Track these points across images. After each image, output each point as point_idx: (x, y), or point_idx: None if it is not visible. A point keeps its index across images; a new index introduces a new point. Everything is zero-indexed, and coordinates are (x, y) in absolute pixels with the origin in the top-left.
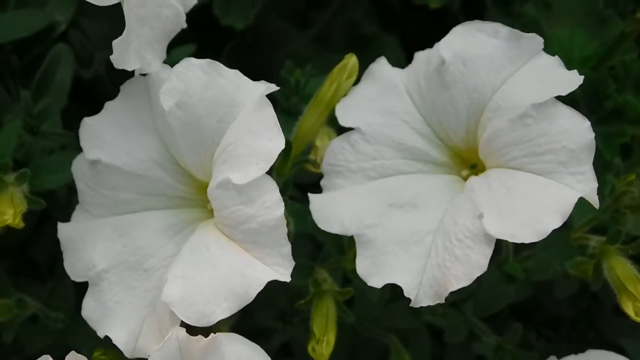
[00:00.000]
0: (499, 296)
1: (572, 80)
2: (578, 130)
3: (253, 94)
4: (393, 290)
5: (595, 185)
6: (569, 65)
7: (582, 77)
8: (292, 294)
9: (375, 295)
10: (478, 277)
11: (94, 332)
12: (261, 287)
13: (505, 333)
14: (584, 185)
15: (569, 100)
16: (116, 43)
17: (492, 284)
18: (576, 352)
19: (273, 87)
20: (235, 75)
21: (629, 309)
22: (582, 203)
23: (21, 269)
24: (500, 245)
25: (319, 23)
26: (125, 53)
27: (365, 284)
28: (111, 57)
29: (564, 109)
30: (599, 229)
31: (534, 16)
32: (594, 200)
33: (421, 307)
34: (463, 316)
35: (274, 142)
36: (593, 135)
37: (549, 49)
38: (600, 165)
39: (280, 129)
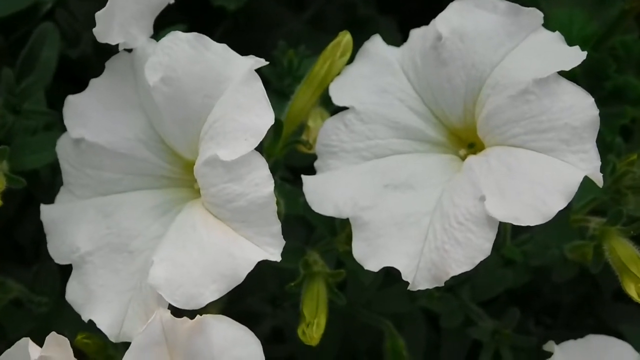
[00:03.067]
0: (496, 280)
1: (575, 55)
2: (581, 106)
3: (241, 69)
4: (387, 274)
5: (599, 163)
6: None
7: (585, 52)
8: (282, 277)
9: (368, 278)
10: None
11: (79, 317)
12: (251, 268)
13: (502, 319)
14: (588, 163)
15: (569, 80)
16: (99, 15)
17: (489, 268)
18: (575, 339)
19: (262, 62)
20: (223, 49)
21: (631, 290)
22: (582, 184)
23: (6, 252)
24: (498, 229)
25: (314, 5)
26: (109, 26)
27: (358, 266)
28: (94, 30)
29: (567, 84)
30: (599, 210)
31: None
32: (598, 179)
33: (417, 291)
34: (459, 301)
35: (262, 118)
36: (597, 112)
37: (548, 29)
38: (601, 147)
39: (269, 103)
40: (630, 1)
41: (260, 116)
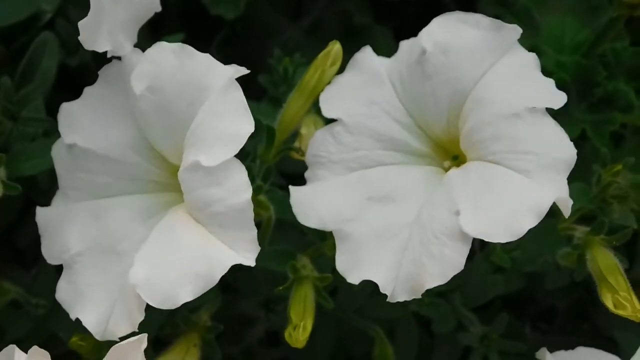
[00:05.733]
0: (487, 286)
1: (559, 98)
2: (563, 143)
3: (222, 77)
4: None
5: (567, 195)
6: (560, 53)
7: (565, 96)
8: (276, 281)
9: (357, 284)
10: (466, 268)
11: (76, 319)
12: (224, 271)
13: (492, 324)
14: (561, 192)
15: (559, 87)
16: (83, 24)
17: (480, 274)
18: (571, 345)
19: (243, 70)
20: (205, 58)
21: (607, 300)
22: (569, 193)
23: (6, 256)
24: None
25: (311, 14)
26: (97, 34)
27: None
28: (79, 37)
29: (553, 123)
30: (588, 218)
31: (525, 5)
32: (566, 209)
33: None
34: (451, 306)
35: (243, 126)
36: (575, 151)
37: (540, 37)
38: (591, 154)
39: (249, 111)
40: (618, 8)
41: (240, 124)
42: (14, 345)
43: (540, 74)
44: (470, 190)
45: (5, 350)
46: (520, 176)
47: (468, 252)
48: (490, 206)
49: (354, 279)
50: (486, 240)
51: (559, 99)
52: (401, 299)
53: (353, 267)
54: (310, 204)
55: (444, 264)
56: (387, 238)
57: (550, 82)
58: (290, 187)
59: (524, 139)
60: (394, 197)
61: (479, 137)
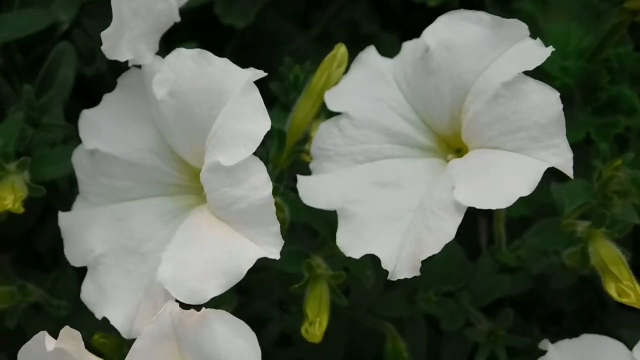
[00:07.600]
0: (493, 285)
1: (540, 55)
2: (547, 104)
3: (240, 81)
4: (388, 281)
5: (570, 156)
6: (565, 59)
7: (550, 49)
8: (289, 283)
9: (370, 282)
10: (473, 267)
11: (96, 319)
12: (250, 264)
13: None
14: (559, 157)
15: (564, 91)
16: (105, 34)
17: (486, 273)
18: None
19: (260, 74)
20: (224, 63)
21: (611, 289)
22: (572, 190)
23: (26, 260)
24: (493, 235)
25: (319, 23)
26: (118, 44)
27: (360, 270)
28: (102, 47)
29: (533, 83)
30: (590, 215)
31: (530, 11)
32: (569, 171)
33: (416, 295)
34: (458, 305)
35: (259, 124)
36: (561, 107)
37: (545, 43)
38: (596, 155)
39: (266, 111)
40: (620, 14)
41: (257, 122)
42: (45, 332)
43: (538, 49)
44: (467, 171)
45: (35, 337)
46: (518, 154)
47: (460, 222)
48: (485, 179)
49: (355, 253)
50: (478, 207)
51: (536, 58)
52: (402, 277)
53: (356, 243)
54: (317, 190)
55: (438, 235)
56: (392, 221)
57: (539, 50)
58: (298, 176)
59: (511, 116)
60: (399, 184)
61: (476, 126)
